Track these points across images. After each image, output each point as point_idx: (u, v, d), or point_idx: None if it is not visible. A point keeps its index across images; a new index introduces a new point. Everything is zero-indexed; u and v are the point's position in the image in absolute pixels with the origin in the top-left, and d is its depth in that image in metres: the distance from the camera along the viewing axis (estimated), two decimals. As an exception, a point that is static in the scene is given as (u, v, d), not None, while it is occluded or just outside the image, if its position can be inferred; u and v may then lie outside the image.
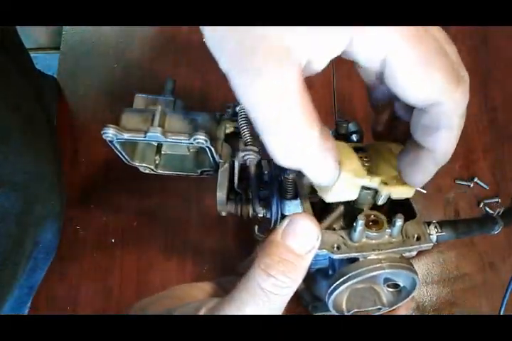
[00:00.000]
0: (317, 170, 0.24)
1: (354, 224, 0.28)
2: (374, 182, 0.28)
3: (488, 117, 0.65)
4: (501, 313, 0.44)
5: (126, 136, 0.34)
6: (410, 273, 0.29)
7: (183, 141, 0.35)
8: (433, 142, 0.25)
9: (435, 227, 0.33)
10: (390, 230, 0.28)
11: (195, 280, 0.57)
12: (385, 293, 0.32)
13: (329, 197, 0.28)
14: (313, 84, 0.65)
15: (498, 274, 0.59)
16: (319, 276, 0.34)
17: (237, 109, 0.37)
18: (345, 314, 0.31)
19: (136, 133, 0.34)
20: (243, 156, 0.34)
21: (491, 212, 0.61)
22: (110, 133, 0.34)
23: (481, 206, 0.61)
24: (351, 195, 0.29)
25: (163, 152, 0.41)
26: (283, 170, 0.33)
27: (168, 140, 0.34)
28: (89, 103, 0.65)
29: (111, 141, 0.36)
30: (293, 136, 0.21)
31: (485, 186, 0.62)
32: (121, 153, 0.38)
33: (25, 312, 0.55)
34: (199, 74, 0.66)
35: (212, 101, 0.65)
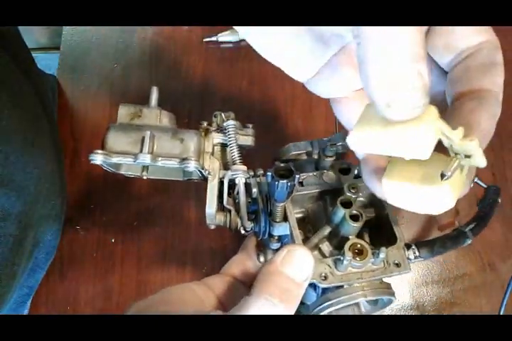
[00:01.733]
0: (407, 97, 0.21)
1: (341, 257, 0.30)
2: (456, 133, 0.23)
3: (488, 117, 0.65)
4: (501, 313, 0.44)
5: (114, 160, 0.34)
6: (389, 296, 0.31)
7: (173, 165, 0.35)
8: (492, 78, 0.26)
9: (413, 251, 0.35)
10: (373, 259, 0.30)
11: (194, 280, 0.57)
12: (364, 304, 0.34)
13: (404, 142, 0.22)
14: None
15: (498, 274, 0.59)
16: None
17: (225, 124, 0.37)
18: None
19: (124, 157, 0.34)
20: (232, 175, 0.35)
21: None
22: (99, 159, 0.34)
23: (481, 206, 0.61)
24: (425, 146, 0.22)
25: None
26: (273, 197, 0.33)
27: (158, 164, 0.34)
28: (89, 103, 0.65)
29: (102, 165, 0.36)
30: (397, 66, 0.21)
31: (485, 186, 0.62)
32: (107, 168, 0.38)
33: (25, 312, 0.55)
34: (198, 74, 0.66)
35: (211, 101, 0.65)
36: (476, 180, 0.62)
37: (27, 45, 0.55)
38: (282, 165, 0.31)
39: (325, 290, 0.32)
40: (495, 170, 0.63)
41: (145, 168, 0.39)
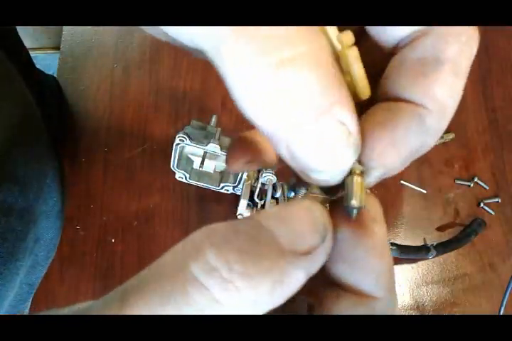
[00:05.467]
0: None
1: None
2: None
3: (488, 117, 0.65)
4: (501, 313, 0.44)
5: (192, 142, 0.48)
6: None
7: None
8: (428, 87, 0.16)
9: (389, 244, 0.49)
10: None
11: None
12: None
13: None
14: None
15: (498, 274, 0.59)
16: None
17: None
18: None
19: (199, 143, 0.48)
20: (265, 176, 0.49)
21: (491, 212, 0.61)
22: (183, 137, 0.47)
23: (481, 206, 0.61)
24: None
25: (197, 168, 0.53)
26: (298, 186, 0.44)
27: (221, 152, 0.49)
28: (89, 103, 0.65)
29: (177, 144, 0.48)
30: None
31: (485, 186, 0.62)
32: (174, 157, 0.50)
33: (26, 311, 0.55)
34: (198, 74, 0.66)
35: (211, 101, 0.65)
36: (476, 180, 0.62)
37: (25, 45, 0.56)
38: None
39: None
40: (495, 170, 0.63)
41: (192, 168, 0.54)
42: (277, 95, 0.14)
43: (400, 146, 0.16)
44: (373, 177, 0.17)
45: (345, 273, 0.17)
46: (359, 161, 0.17)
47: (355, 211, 0.16)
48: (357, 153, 0.16)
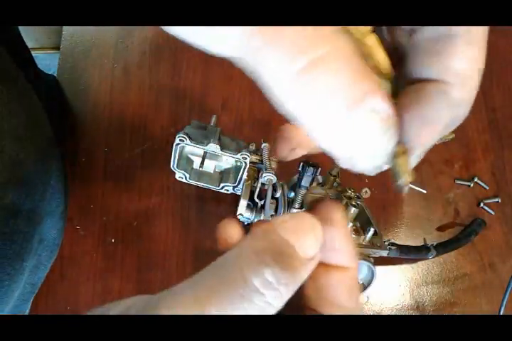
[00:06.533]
0: None
1: None
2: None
3: (488, 117, 0.65)
4: (501, 313, 0.44)
5: (192, 142, 0.48)
6: (370, 266, 0.44)
7: (232, 155, 0.49)
8: (443, 62, 0.16)
9: (388, 245, 0.51)
10: (363, 236, 0.44)
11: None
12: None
13: None
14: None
15: (498, 274, 0.59)
16: None
17: (262, 146, 0.52)
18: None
19: (199, 143, 0.48)
20: (265, 176, 0.48)
21: (491, 212, 0.61)
22: (183, 137, 0.47)
23: (481, 206, 0.61)
24: None
25: (197, 168, 0.54)
26: (298, 185, 0.45)
27: (222, 152, 0.49)
28: (89, 103, 0.65)
29: (177, 144, 0.48)
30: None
31: (485, 186, 0.62)
32: (174, 157, 0.50)
33: (27, 310, 0.55)
34: (198, 74, 0.66)
35: (211, 100, 0.65)
36: (476, 180, 0.62)
37: (27, 45, 0.56)
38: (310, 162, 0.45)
39: None
40: (495, 170, 0.63)
41: (192, 168, 0.54)
42: (314, 92, 0.16)
43: (433, 124, 0.18)
44: (415, 156, 0.19)
45: (329, 256, 0.21)
46: (400, 142, 0.19)
47: (405, 188, 0.19)
48: (394, 138, 0.17)
